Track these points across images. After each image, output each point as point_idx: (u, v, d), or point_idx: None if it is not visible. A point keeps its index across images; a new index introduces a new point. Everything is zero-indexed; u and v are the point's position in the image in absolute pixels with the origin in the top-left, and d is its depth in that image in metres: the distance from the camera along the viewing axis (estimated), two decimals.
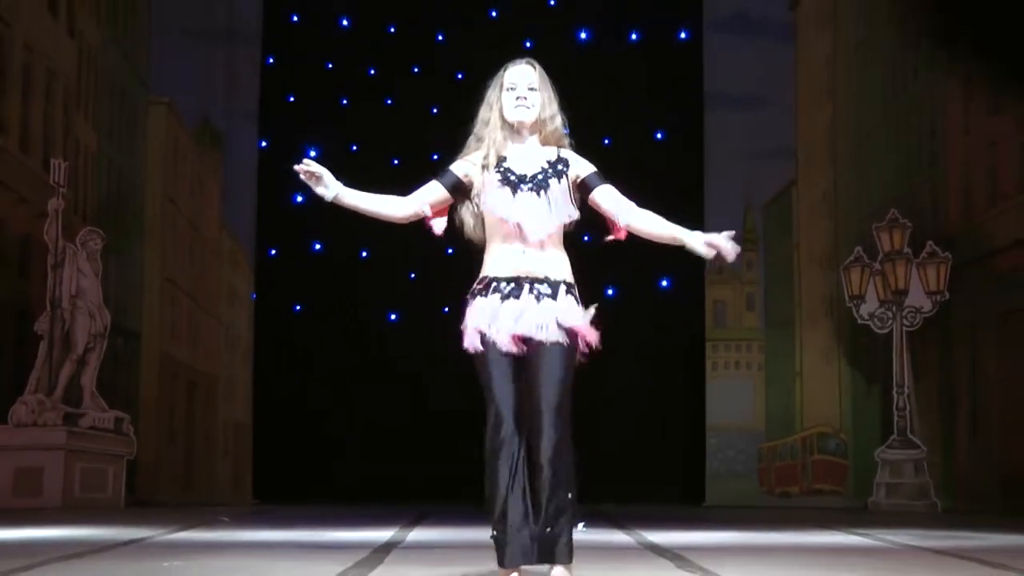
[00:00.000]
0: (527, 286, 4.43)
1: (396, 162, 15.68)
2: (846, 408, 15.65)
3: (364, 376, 15.64)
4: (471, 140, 4.65)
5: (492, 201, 4.49)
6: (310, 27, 16.40)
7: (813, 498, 15.42)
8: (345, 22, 16.53)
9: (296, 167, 4.47)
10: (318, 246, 16.30)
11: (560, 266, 4.51)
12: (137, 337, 15.36)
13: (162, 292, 15.72)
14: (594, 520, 9.61)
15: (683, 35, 16.44)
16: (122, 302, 14.85)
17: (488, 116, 4.60)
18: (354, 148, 16.09)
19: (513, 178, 4.50)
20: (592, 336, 4.43)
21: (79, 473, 12.63)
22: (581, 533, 8.32)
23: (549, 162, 4.55)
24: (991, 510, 13.20)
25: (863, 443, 15.09)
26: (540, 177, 4.51)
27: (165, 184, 15.94)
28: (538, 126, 4.57)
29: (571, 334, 4.40)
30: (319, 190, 4.46)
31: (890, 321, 14.14)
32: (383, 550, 6.90)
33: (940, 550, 7.28)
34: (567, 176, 4.55)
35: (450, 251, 11.91)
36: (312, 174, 4.44)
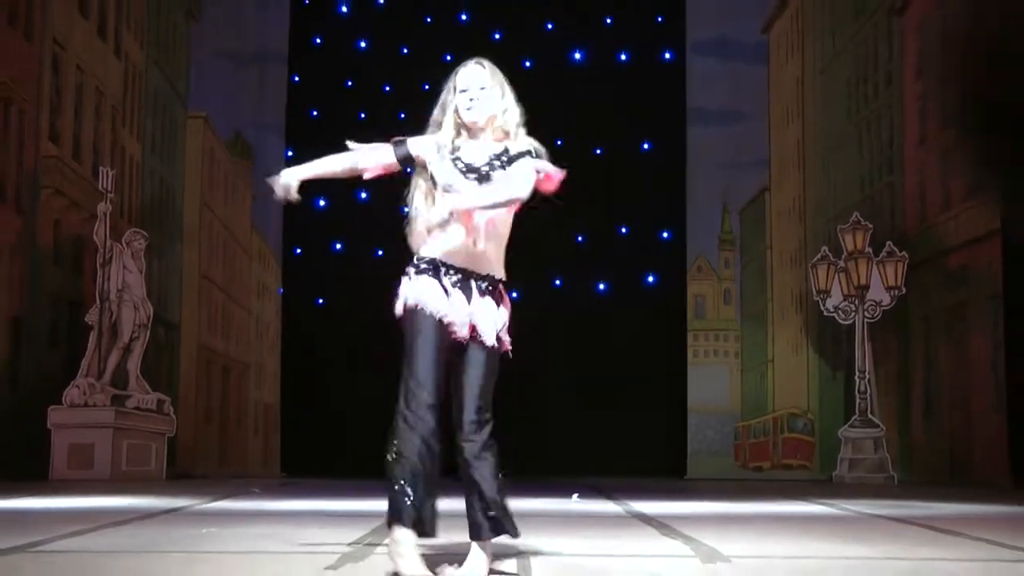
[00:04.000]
0: (473, 282, 4.17)
1: (409, 171, 15.66)
2: (813, 392, 15.68)
3: (380, 362, 15.57)
4: (427, 135, 4.36)
5: (443, 184, 4.20)
6: (332, 49, 16.41)
7: (783, 472, 15.45)
8: (363, 44, 16.55)
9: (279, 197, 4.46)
10: (339, 246, 16.32)
11: (498, 263, 4.23)
12: (177, 327, 15.40)
13: (199, 287, 15.76)
14: (586, 492, 9.66)
15: (667, 56, 16.44)
16: (163, 296, 14.89)
17: (441, 118, 4.27)
18: None
19: (461, 166, 4.22)
20: (507, 343, 4.21)
21: (125, 449, 12.67)
22: (575, 503, 8.36)
23: (495, 154, 4.22)
24: (942, 482, 13.26)
25: (828, 423, 15.13)
26: (484, 169, 4.20)
27: (201, 190, 15.98)
28: (490, 122, 4.24)
29: (500, 340, 4.18)
30: (292, 197, 4.46)
31: (853, 314, 14.15)
32: None
33: (897, 518, 7.31)
34: (507, 166, 4.20)
35: None
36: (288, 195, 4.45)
